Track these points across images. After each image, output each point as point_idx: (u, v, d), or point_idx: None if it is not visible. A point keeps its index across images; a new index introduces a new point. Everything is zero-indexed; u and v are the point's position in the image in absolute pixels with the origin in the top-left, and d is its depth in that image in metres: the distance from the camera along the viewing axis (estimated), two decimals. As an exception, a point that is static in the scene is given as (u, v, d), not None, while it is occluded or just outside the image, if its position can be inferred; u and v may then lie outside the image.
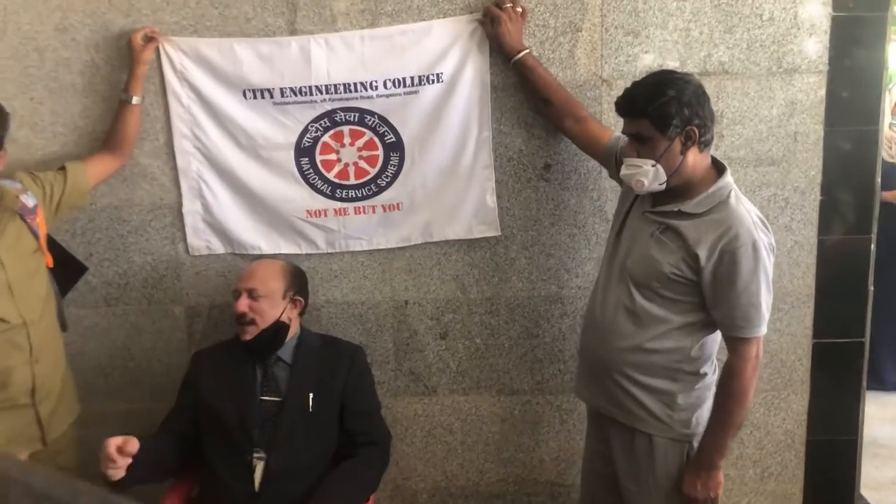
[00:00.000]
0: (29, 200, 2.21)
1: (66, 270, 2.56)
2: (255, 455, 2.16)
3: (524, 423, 2.68)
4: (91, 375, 2.66)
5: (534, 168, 2.49)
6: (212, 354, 2.35)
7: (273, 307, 2.24)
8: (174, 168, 2.50)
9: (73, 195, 2.32)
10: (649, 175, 1.93)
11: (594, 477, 2.29)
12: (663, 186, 1.95)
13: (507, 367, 2.64)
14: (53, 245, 2.49)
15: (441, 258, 2.57)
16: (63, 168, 2.32)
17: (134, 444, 1.90)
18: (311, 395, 2.24)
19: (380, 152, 2.47)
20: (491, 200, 2.49)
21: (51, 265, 2.30)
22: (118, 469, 1.90)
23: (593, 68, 2.41)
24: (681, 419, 2.04)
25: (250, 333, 2.22)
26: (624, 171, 1.99)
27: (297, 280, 2.35)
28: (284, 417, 2.20)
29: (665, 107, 1.87)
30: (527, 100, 2.44)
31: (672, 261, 1.94)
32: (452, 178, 2.48)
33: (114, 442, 1.90)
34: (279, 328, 2.25)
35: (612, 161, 2.23)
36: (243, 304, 2.22)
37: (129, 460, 1.91)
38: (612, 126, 2.36)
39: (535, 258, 2.55)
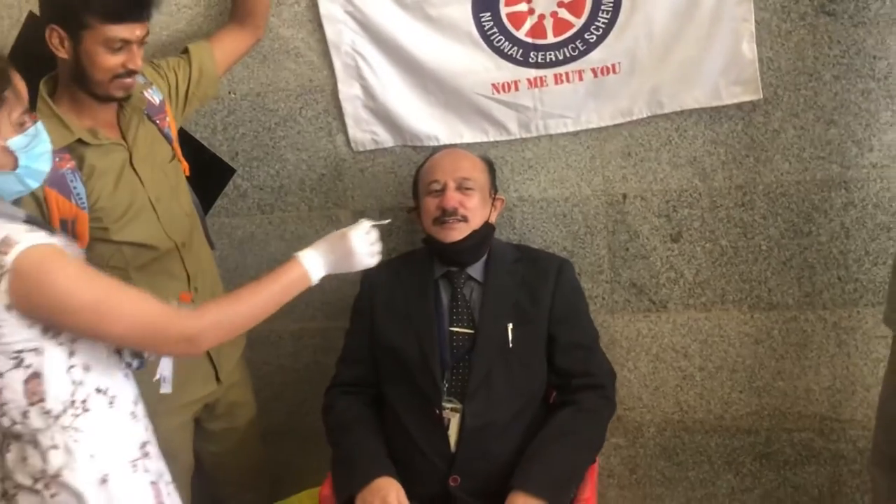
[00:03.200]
0: (155, 96, 1.79)
1: (212, 174, 2.17)
2: (449, 406, 1.71)
3: (786, 346, 2.05)
4: (253, 293, 2.30)
5: (811, -4, 1.74)
6: (383, 274, 1.87)
7: (483, 204, 1.81)
8: (321, 41, 1.98)
9: (201, 83, 1.87)
10: None
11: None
12: None
13: (765, 276, 1.99)
14: (193, 145, 2.09)
15: (672, 135, 1.92)
16: (186, 51, 1.86)
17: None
18: (510, 326, 1.74)
19: (587, -6, 1.81)
20: (749, 49, 1.77)
21: (188, 174, 1.89)
22: None
23: None
24: None
25: (461, 232, 1.75)
26: None
27: (494, 175, 1.90)
28: (479, 356, 1.74)
29: None
30: None
31: None
32: (691, 22, 1.78)
33: None
34: (488, 232, 1.81)
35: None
36: (454, 197, 1.76)
37: None
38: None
39: (810, 128, 1.84)
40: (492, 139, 1.98)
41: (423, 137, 2.00)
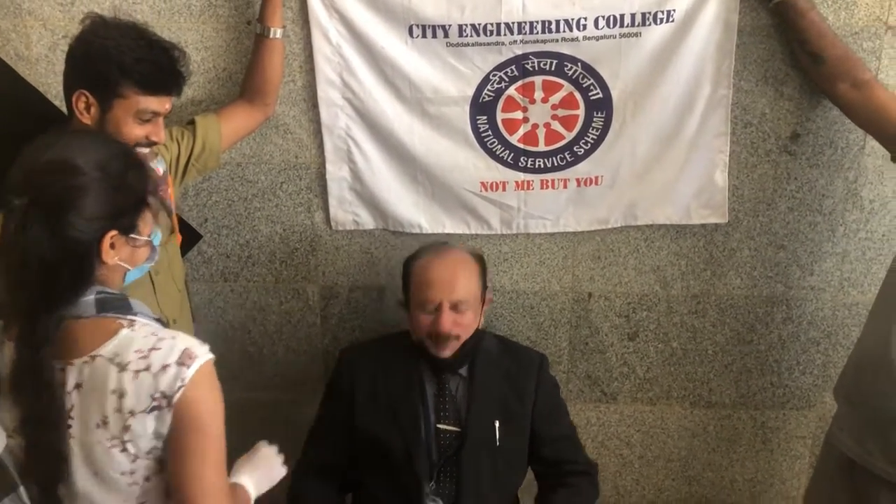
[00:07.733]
0: (159, 167, 1.73)
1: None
2: (433, 505, 1.73)
3: (718, 440, 2.23)
4: (204, 359, 2.24)
5: (777, 137, 1.93)
6: (365, 358, 1.85)
7: (476, 316, 1.78)
8: (314, 120, 1.98)
9: (202, 157, 1.83)
10: None
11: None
12: None
13: (708, 377, 2.17)
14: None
15: (640, 244, 2.06)
16: (192, 122, 1.81)
17: None
18: (496, 423, 1.78)
19: (580, 111, 1.91)
20: (721, 178, 1.94)
21: (180, 244, 1.85)
22: None
23: (877, 11, 1.81)
24: None
25: (451, 349, 1.74)
26: None
27: (486, 272, 1.86)
28: (469, 456, 1.75)
29: None
30: (782, 49, 1.85)
31: None
32: (671, 148, 1.93)
33: None
34: (479, 339, 1.80)
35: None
36: (448, 321, 1.70)
37: None
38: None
39: (762, 250, 2.03)
40: (473, 232, 2.04)
41: (405, 224, 2.04)
